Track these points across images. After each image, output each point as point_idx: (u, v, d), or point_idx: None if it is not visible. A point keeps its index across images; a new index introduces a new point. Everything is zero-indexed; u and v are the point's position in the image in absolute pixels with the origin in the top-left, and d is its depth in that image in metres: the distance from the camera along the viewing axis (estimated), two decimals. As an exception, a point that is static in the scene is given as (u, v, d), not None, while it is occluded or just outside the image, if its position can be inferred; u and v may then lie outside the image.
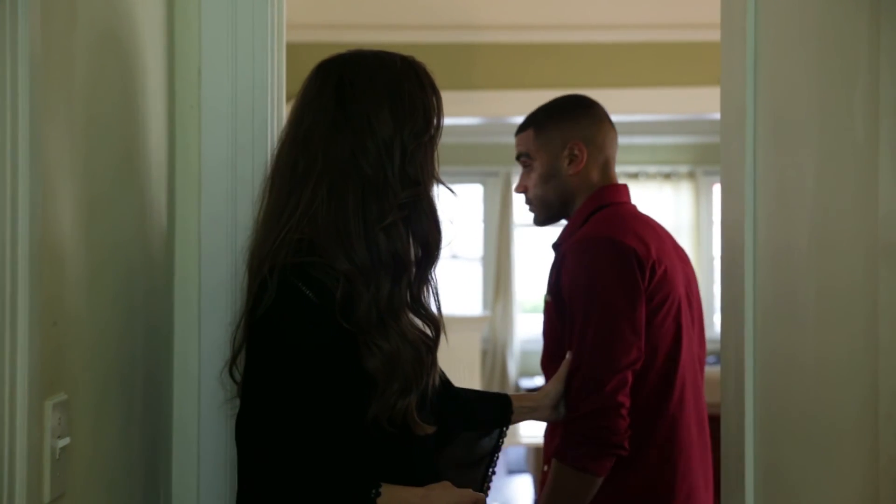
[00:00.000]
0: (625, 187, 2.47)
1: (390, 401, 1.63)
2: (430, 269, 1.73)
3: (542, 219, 2.50)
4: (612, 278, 2.24)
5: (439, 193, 1.75)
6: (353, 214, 1.64)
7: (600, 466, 2.18)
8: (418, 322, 1.72)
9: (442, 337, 1.77)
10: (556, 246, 2.46)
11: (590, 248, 2.28)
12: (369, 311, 1.63)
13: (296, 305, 1.59)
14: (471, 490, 1.71)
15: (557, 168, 2.42)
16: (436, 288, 1.76)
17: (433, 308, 1.75)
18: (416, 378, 1.66)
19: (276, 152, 1.74)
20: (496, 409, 2.12)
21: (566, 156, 2.40)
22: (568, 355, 2.26)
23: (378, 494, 1.59)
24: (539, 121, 2.47)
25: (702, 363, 2.45)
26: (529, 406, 2.20)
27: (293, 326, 1.59)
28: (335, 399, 1.62)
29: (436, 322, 1.74)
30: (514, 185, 9.67)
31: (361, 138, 1.66)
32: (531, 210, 2.51)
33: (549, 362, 2.41)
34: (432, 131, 1.72)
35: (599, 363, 2.20)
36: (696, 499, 2.34)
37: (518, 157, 2.49)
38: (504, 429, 2.10)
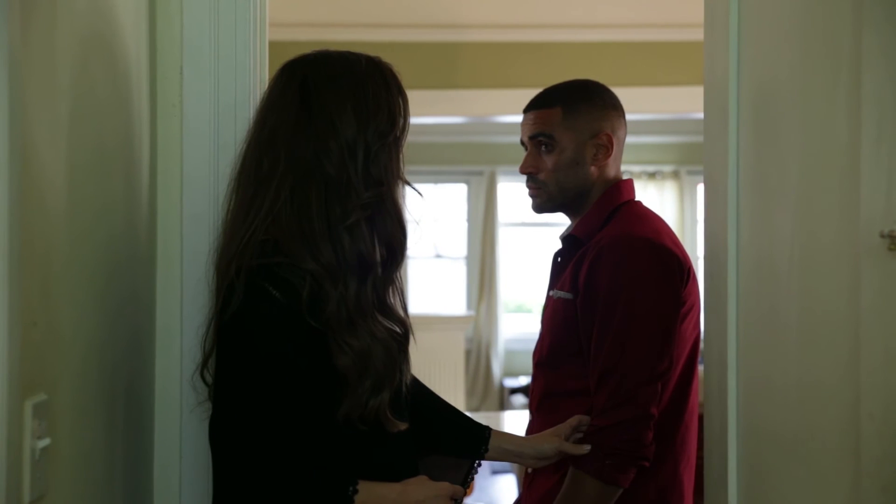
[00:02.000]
0: (633, 183, 2.38)
1: (362, 399, 1.62)
2: (395, 269, 1.72)
3: (549, 206, 2.33)
4: (655, 284, 2.14)
5: (405, 194, 1.75)
6: (316, 214, 1.64)
7: (626, 478, 2.08)
8: (388, 321, 1.72)
9: (412, 338, 1.78)
10: (570, 238, 2.30)
11: (632, 251, 2.15)
12: (338, 311, 1.62)
13: (264, 307, 1.59)
14: (447, 483, 1.70)
15: (583, 156, 2.27)
16: (401, 289, 1.75)
17: (399, 309, 1.74)
18: (388, 375, 1.66)
19: (241, 152, 1.73)
20: (465, 440, 2.00)
21: (594, 144, 2.26)
22: (576, 419, 2.08)
23: (355, 492, 1.59)
24: (569, 101, 2.29)
25: None
26: (512, 450, 2.04)
27: (262, 328, 1.59)
28: (308, 399, 1.61)
29: (403, 322, 1.74)
30: (498, 184, 9.63)
31: (324, 138, 1.65)
32: (537, 195, 2.32)
33: (552, 359, 2.26)
34: (397, 132, 1.71)
35: (636, 372, 2.09)
36: None
37: (534, 137, 2.29)
38: (476, 463, 1.99)
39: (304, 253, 1.62)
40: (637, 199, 2.33)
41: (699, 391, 2.29)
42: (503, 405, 8.82)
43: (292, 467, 1.59)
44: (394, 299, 1.75)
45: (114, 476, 1.74)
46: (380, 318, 1.70)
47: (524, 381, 8.16)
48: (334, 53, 1.73)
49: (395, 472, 1.70)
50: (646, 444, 2.09)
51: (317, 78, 1.69)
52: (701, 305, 2.24)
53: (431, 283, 9.35)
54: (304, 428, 1.62)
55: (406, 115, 1.74)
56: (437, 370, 6.71)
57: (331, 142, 1.65)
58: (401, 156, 1.73)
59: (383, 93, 1.70)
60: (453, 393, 6.73)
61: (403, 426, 1.72)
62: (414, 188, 1.77)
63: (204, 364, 1.70)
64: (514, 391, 8.10)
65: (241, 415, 1.58)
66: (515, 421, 5.70)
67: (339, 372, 1.62)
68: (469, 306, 9.25)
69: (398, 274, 1.74)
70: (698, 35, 2.15)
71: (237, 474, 1.58)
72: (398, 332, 1.73)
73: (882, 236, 1.31)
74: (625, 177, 2.33)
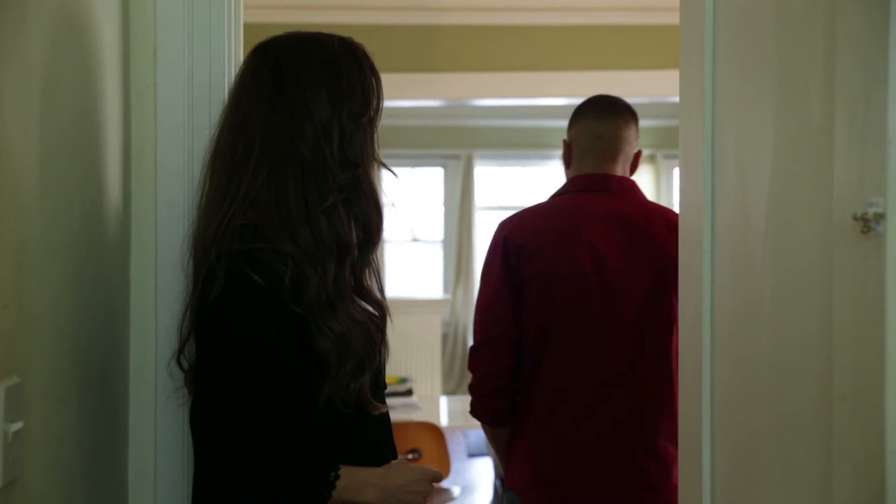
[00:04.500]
0: (571, 181, 2.66)
1: (344, 382, 1.62)
2: (371, 251, 1.72)
3: None
4: (488, 261, 2.61)
5: (380, 176, 1.75)
6: (293, 198, 1.63)
7: (487, 429, 2.62)
8: (365, 304, 1.72)
9: (390, 320, 1.78)
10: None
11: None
12: (318, 294, 1.62)
13: (246, 293, 1.58)
14: (427, 467, 1.72)
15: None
16: (377, 270, 1.75)
17: (375, 291, 1.74)
18: (368, 358, 1.66)
19: (215, 136, 1.72)
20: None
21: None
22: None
23: (337, 477, 1.60)
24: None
25: None
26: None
27: (245, 315, 1.59)
28: (290, 384, 1.61)
29: (380, 304, 1.74)
30: (475, 168, 9.63)
31: (299, 121, 1.65)
32: None
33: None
34: (371, 113, 1.71)
35: (475, 338, 2.58)
36: None
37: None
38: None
39: (283, 237, 1.62)
40: (567, 193, 2.60)
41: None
42: (480, 388, 8.84)
43: (274, 453, 1.59)
44: (370, 281, 1.74)
45: (87, 459, 1.73)
46: (358, 300, 1.70)
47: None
48: (306, 34, 1.72)
49: (377, 455, 1.71)
50: (477, 408, 2.52)
51: (289, 59, 1.68)
52: (559, 277, 2.45)
53: (408, 267, 9.35)
54: (287, 413, 1.62)
55: (380, 96, 1.73)
56: (414, 354, 6.72)
57: (305, 124, 1.65)
58: (375, 137, 1.73)
59: (356, 73, 1.69)
60: (429, 376, 6.74)
61: (385, 408, 1.73)
62: (389, 169, 1.77)
63: (180, 350, 1.69)
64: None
65: (224, 401, 1.58)
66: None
67: (321, 356, 1.61)
68: (446, 290, 9.26)
69: (374, 256, 1.74)
70: (674, 18, 2.15)
71: (219, 460, 1.58)
72: (376, 315, 1.73)
73: (855, 219, 1.32)
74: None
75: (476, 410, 2.54)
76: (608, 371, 2.44)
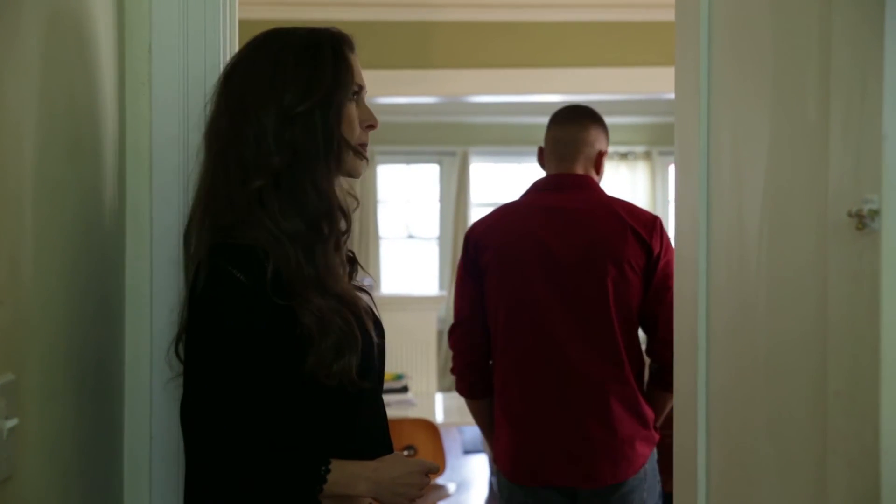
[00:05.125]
0: (536, 183, 2.99)
1: (326, 357, 1.60)
2: (326, 243, 1.66)
3: None
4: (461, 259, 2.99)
5: (347, 169, 1.70)
6: (240, 189, 1.64)
7: (468, 401, 3.00)
8: (330, 295, 1.66)
9: (370, 313, 1.73)
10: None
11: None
12: (292, 281, 1.61)
13: (226, 287, 1.59)
14: (422, 459, 1.71)
15: None
16: (343, 261, 1.72)
17: (342, 285, 1.68)
18: (348, 339, 1.62)
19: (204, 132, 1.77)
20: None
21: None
22: None
23: (328, 471, 1.59)
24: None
25: None
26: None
27: (227, 309, 1.59)
28: (278, 376, 1.61)
29: (345, 299, 1.67)
30: (471, 165, 9.66)
31: (241, 117, 1.65)
32: None
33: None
34: (317, 99, 1.65)
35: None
36: None
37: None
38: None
39: (250, 229, 1.62)
40: (532, 193, 2.94)
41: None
42: (475, 385, 8.83)
43: (264, 448, 1.59)
44: (342, 272, 1.72)
45: (83, 455, 1.73)
46: (323, 290, 1.65)
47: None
48: (283, 28, 1.73)
49: (372, 449, 1.70)
50: (457, 383, 2.96)
51: (243, 51, 1.72)
52: (512, 273, 2.81)
53: (404, 264, 9.35)
54: (276, 405, 1.62)
55: (341, 83, 1.68)
56: (410, 350, 6.72)
57: (248, 112, 1.65)
58: (335, 126, 1.67)
59: (308, 60, 1.67)
60: (425, 373, 6.74)
61: (367, 385, 1.66)
62: (359, 152, 1.71)
63: (178, 340, 1.70)
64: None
65: (211, 397, 1.58)
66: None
67: (305, 336, 1.60)
68: (441, 286, 9.25)
69: (332, 248, 1.68)
70: (670, 15, 2.15)
71: (208, 457, 1.57)
72: (348, 307, 1.67)
73: (850, 215, 1.32)
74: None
75: (457, 386, 2.98)
76: (553, 339, 2.77)
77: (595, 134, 2.92)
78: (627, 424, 2.74)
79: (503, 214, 2.92)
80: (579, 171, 2.89)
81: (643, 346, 2.88)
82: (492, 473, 6.03)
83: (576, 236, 2.79)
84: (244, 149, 1.65)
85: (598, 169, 2.93)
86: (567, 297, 2.77)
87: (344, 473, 1.61)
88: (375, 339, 1.71)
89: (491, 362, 2.89)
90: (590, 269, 2.76)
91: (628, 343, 2.77)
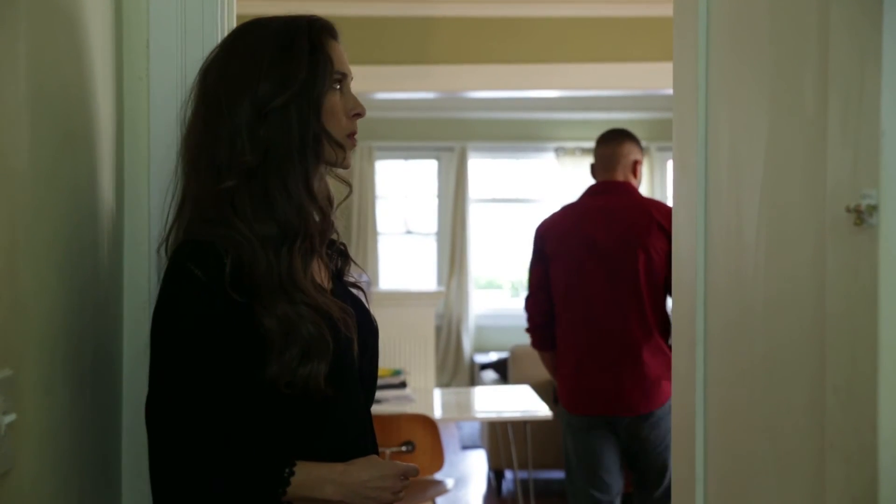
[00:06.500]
0: (592, 187, 3.93)
1: (291, 365, 1.56)
2: (296, 245, 1.62)
3: None
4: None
5: (318, 165, 1.66)
6: (213, 189, 1.61)
7: (539, 352, 4.00)
8: (306, 298, 1.62)
9: (347, 320, 1.66)
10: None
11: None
12: (258, 283, 1.57)
13: (183, 284, 1.56)
14: (398, 462, 1.65)
15: None
16: (323, 261, 1.71)
17: (315, 293, 1.62)
18: (318, 346, 1.57)
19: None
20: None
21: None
22: None
23: (292, 474, 1.55)
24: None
25: None
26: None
27: (183, 305, 1.56)
28: (240, 377, 1.57)
29: (316, 303, 1.61)
30: (469, 160, 9.69)
31: (216, 116, 1.63)
32: None
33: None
34: (294, 93, 1.62)
35: None
36: None
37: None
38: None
39: (217, 228, 1.59)
40: (586, 196, 3.91)
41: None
42: (473, 381, 8.84)
43: (224, 450, 1.56)
44: (322, 273, 1.70)
45: (81, 450, 1.73)
46: (292, 295, 1.60)
47: (494, 356, 8.17)
48: (262, 19, 1.69)
49: (348, 449, 1.65)
50: (531, 339, 3.93)
51: (220, 45, 1.71)
52: (568, 258, 3.77)
53: (402, 259, 9.35)
54: (238, 404, 1.58)
55: (319, 75, 1.64)
56: (408, 346, 6.71)
57: (221, 106, 1.63)
58: (313, 119, 1.63)
59: (283, 52, 1.63)
60: (424, 369, 6.74)
61: (331, 392, 1.59)
62: (342, 143, 1.66)
63: None
64: (485, 367, 8.12)
65: (169, 398, 1.55)
66: (486, 396, 5.72)
67: (265, 337, 1.56)
68: (439, 282, 9.25)
69: (305, 251, 1.64)
70: (668, 10, 2.15)
71: (167, 458, 1.54)
72: (319, 312, 1.61)
73: (848, 211, 1.32)
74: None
75: (531, 341, 3.94)
76: (598, 307, 3.72)
77: (629, 147, 3.86)
78: (654, 368, 3.64)
79: (563, 213, 3.89)
80: (619, 178, 3.83)
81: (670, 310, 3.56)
82: (490, 469, 6.07)
83: (615, 229, 3.72)
84: (218, 149, 1.62)
85: (636, 173, 3.86)
86: (608, 276, 3.70)
87: (310, 476, 1.56)
88: (356, 340, 1.67)
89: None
90: (625, 255, 3.68)
91: (655, 308, 3.68)
